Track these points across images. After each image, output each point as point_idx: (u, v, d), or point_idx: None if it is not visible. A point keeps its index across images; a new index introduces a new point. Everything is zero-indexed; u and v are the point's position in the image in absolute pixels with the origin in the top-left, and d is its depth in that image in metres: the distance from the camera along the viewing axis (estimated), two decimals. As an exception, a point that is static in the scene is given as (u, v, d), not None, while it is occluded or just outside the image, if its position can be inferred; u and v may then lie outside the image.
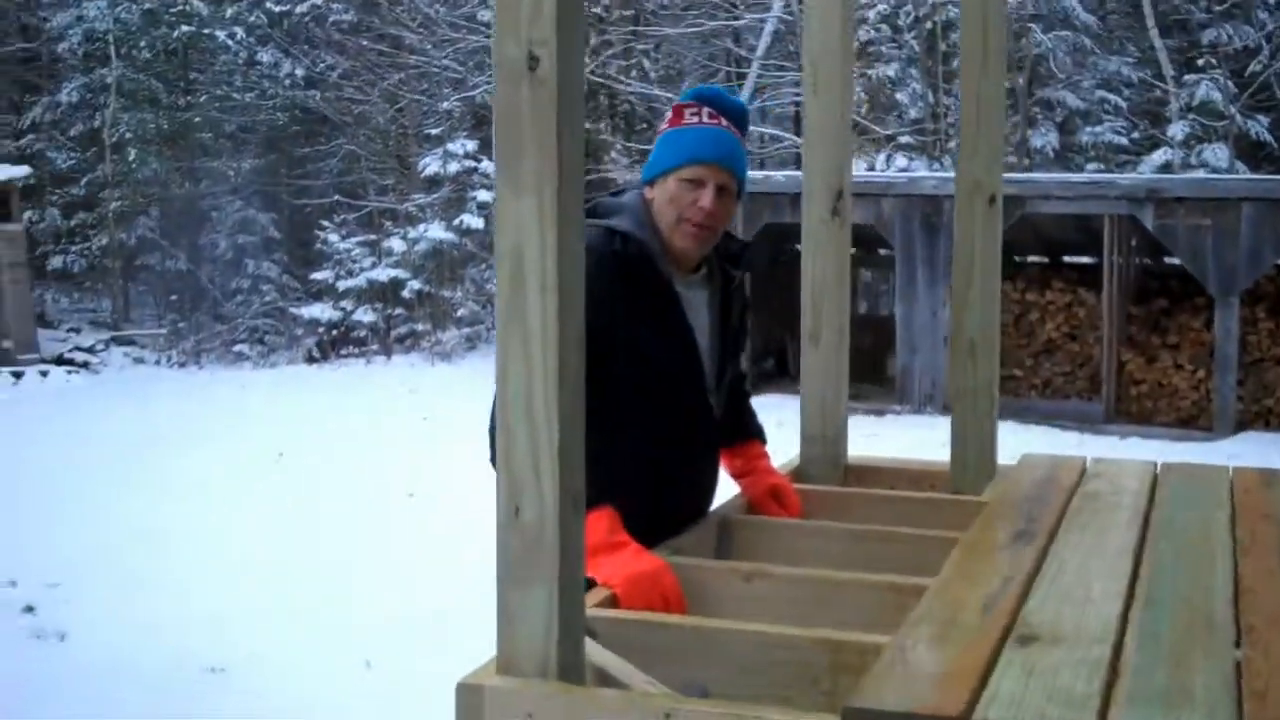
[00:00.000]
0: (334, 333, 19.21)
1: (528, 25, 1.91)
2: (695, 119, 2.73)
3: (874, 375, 15.39)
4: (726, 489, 3.08)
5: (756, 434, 3.12)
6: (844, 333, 3.39)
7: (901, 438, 11.51)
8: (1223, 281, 12.90)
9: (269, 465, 11.00)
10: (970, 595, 2.29)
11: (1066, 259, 15.91)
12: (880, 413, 13.75)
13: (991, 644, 2.03)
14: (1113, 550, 2.57)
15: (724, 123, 2.75)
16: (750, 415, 3.13)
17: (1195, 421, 13.35)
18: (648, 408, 2.70)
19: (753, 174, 13.43)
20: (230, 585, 7.43)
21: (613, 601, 2.39)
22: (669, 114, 2.80)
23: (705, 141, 2.72)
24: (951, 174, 15.66)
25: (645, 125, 25.21)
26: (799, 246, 3.39)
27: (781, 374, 15.59)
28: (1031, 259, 16.02)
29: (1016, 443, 12.18)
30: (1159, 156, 19.08)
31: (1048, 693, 1.86)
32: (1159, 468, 3.35)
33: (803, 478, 3.38)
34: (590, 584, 2.44)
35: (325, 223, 20.80)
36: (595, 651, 2.11)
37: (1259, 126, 19.92)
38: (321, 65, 22.72)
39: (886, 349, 15.02)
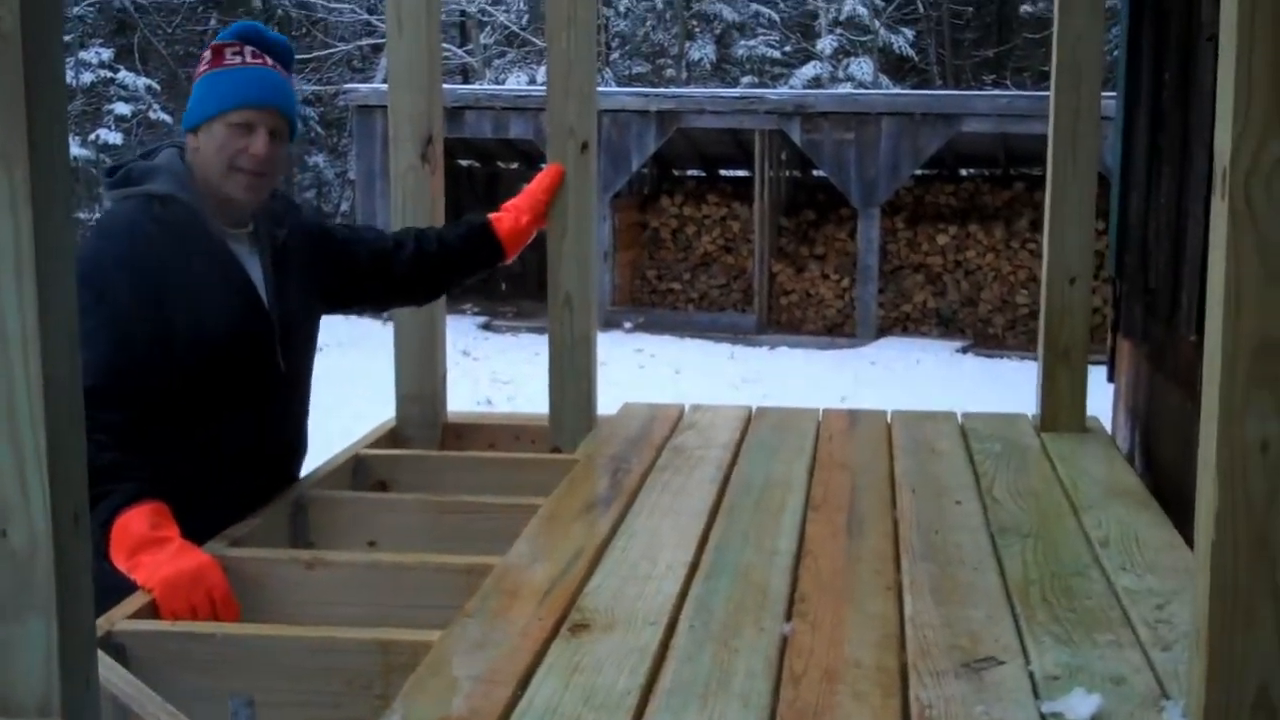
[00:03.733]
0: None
1: (-19, -24, 1.65)
2: (238, 59, 2.50)
3: (539, 292, 15.35)
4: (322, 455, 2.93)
5: (476, 221, 3.07)
6: (437, 286, 3.24)
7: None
8: (864, 193, 13.45)
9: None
10: (533, 577, 2.21)
11: (722, 173, 16.26)
12: (542, 330, 13.70)
13: (542, 637, 1.96)
14: (688, 513, 2.55)
15: (269, 62, 2.54)
16: (453, 226, 3.11)
17: (841, 329, 13.95)
18: (214, 380, 2.50)
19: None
20: None
21: (154, 608, 2.19)
22: (207, 54, 2.54)
23: (253, 83, 2.51)
24: (613, 88, 15.78)
25: (303, 31, 24.22)
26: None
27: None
28: (690, 173, 16.31)
29: (674, 358, 12.50)
30: (809, 70, 19.69)
31: (587, 694, 1.79)
32: (753, 412, 3.38)
33: (399, 440, 3.25)
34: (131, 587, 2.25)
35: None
36: (113, 678, 1.91)
37: (902, 41, 20.81)
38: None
39: (550, 265, 15.00)
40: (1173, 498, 2.69)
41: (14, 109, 1.68)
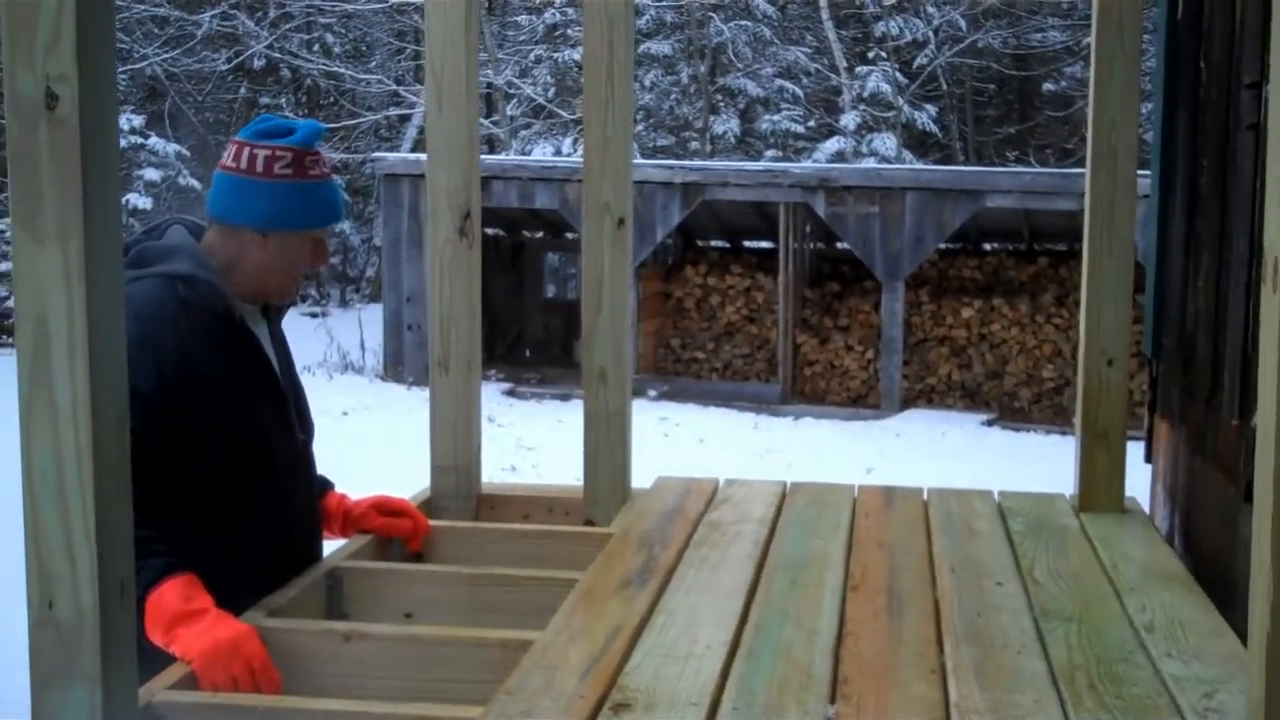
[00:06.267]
0: (-11, 320, 17.83)
1: (44, 57, 1.68)
2: (316, 171, 2.55)
3: (563, 359, 15.44)
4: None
5: (325, 485, 2.91)
6: (474, 360, 3.26)
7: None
8: (888, 266, 13.49)
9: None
10: (572, 654, 2.20)
11: (746, 244, 16.34)
12: (566, 397, 13.76)
13: (584, 716, 1.95)
14: (726, 589, 2.54)
15: (330, 172, 2.63)
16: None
17: (865, 400, 13.93)
18: (244, 459, 2.50)
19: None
20: None
21: (192, 679, 2.18)
22: (283, 155, 2.50)
23: (334, 200, 2.61)
24: (638, 160, 15.92)
25: (331, 100, 24.51)
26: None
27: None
28: (714, 244, 16.39)
29: (698, 427, 12.49)
30: (833, 144, 19.81)
31: (630, 776, 1.78)
32: (788, 488, 3.36)
33: (434, 511, 3.24)
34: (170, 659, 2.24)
35: (-22, 200, 19.29)
36: (152, 750, 1.91)
37: (925, 117, 20.94)
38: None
39: (574, 333, 15.06)
40: (1215, 581, 2.66)
41: (71, 186, 1.71)
